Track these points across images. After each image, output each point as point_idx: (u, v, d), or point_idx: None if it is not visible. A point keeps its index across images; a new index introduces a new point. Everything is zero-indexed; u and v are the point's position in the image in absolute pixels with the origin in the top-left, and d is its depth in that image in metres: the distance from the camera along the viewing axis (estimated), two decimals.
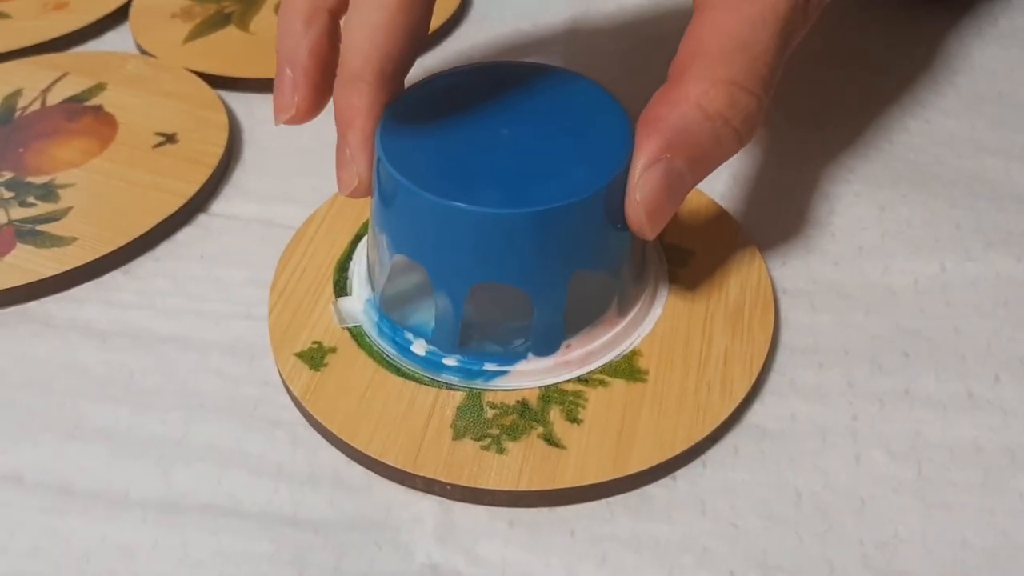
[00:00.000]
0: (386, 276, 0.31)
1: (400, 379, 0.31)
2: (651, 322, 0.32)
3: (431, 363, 0.31)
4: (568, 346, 0.31)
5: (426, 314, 0.31)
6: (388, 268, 0.31)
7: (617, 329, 0.31)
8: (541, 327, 0.30)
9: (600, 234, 0.29)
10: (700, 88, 0.28)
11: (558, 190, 0.28)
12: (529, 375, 0.30)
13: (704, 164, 0.28)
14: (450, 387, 0.30)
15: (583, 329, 0.31)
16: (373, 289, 0.32)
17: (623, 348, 0.31)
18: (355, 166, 0.30)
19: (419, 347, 0.31)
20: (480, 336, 0.31)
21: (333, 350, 0.32)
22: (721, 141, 0.28)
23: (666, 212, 0.29)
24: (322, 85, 0.32)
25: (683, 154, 0.28)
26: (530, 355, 0.30)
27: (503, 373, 0.30)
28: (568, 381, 0.30)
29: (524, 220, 0.28)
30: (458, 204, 0.28)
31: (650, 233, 0.29)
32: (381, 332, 0.32)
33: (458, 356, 0.31)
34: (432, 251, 0.29)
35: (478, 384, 0.30)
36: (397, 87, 0.30)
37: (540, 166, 0.29)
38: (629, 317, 0.32)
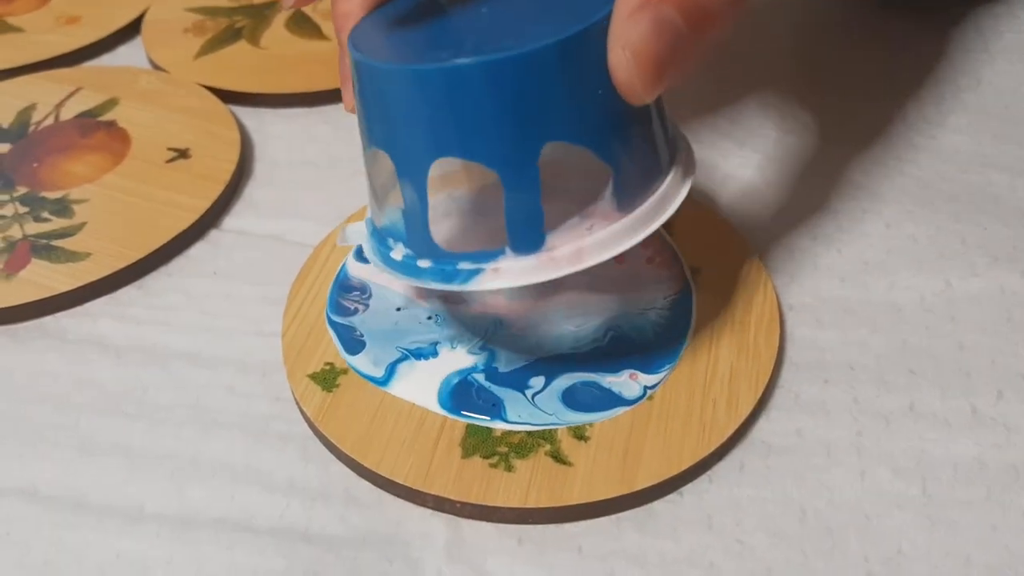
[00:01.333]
0: (369, 179, 0.29)
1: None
2: (664, 220, 0.28)
3: (408, 267, 0.28)
4: (554, 242, 0.27)
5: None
6: (368, 167, 0.29)
7: (616, 226, 0.27)
8: (515, 214, 0.26)
9: (572, 96, 0.26)
10: None
11: (515, 42, 0.25)
12: (509, 274, 0.27)
13: (699, 13, 0.25)
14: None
15: (570, 221, 0.27)
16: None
17: (624, 248, 0.27)
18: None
19: (398, 252, 0.29)
20: (455, 231, 0.28)
21: (345, 371, 0.32)
22: None
23: (660, 65, 0.25)
24: None
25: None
26: (508, 251, 0.27)
27: (479, 272, 0.27)
28: None
29: (472, 74, 0.25)
30: (405, 66, 0.26)
31: (642, 90, 0.25)
32: (374, 247, 0.30)
33: (432, 259, 0.28)
34: (392, 130, 0.27)
35: (455, 286, 0.28)
36: None
37: (509, 29, 0.26)
38: (634, 214, 0.28)
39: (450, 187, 0.28)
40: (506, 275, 0.27)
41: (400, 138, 0.27)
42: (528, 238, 0.27)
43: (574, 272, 0.27)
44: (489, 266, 0.27)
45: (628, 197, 0.27)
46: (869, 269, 0.36)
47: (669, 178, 0.29)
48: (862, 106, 0.44)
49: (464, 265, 0.27)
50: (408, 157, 0.27)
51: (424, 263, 0.28)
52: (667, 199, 0.28)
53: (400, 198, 0.28)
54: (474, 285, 0.27)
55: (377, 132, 0.28)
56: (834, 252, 0.37)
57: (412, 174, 0.27)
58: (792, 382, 0.32)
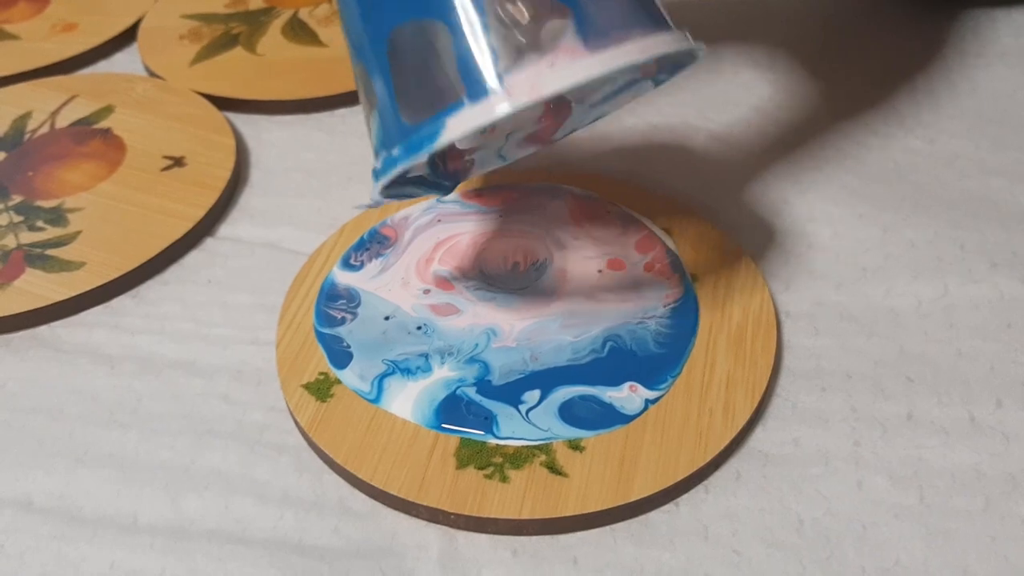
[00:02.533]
0: (362, 103, 0.29)
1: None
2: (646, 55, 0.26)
3: (386, 166, 0.28)
4: (512, 81, 0.26)
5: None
6: (359, 88, 0.29)
7: (584, 60, 0.26)
8: (467, 59, 0.26)
9: None
10: None
11: None
12: (466, 119, 0.26)
13: None
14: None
15: (528, 58, 0.26)
16: None
17: (590, 75, 0.26)
18: None
19: (378, 161, 0.28)
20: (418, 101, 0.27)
21: (338, 381, 0.32)
22: None
23: None
24: None
25: None
26: (466, 101, 0.26)
27: (437, 134, 0.26)
28: None
29: None
30: None
31: None
32: (374, 175, 0.29)
33: (402, 142, 0.27)
34: (355, 29, 0.27)
35: (425, 152, 0.26)
36: None
37: None
38: (607, 51, 0.26)
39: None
40: (463, 122, 0.26)
41: (360, 32, 0.27)
42: (483, 81, 0.26)
43: (534, 104, 0.25)
44: (449, 119, 0.26)
45: (597, 35, 0.26)
46: (866, 275, 0.36)
47: (661, 34, 0.27)
48: (858, 111, 0.44)
49: (427, 130, 0.26)
50: (368, 45, 0.27)
51: (396, 151, 0.27)
52: (653, 44, 0.27)
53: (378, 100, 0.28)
54: (440, 142, 0.26)
55: (350, 37, 0.28)
56: (831, 258, 0.36)
57: (376, 59, 0.27)
58: (789, 390, 0.32)
